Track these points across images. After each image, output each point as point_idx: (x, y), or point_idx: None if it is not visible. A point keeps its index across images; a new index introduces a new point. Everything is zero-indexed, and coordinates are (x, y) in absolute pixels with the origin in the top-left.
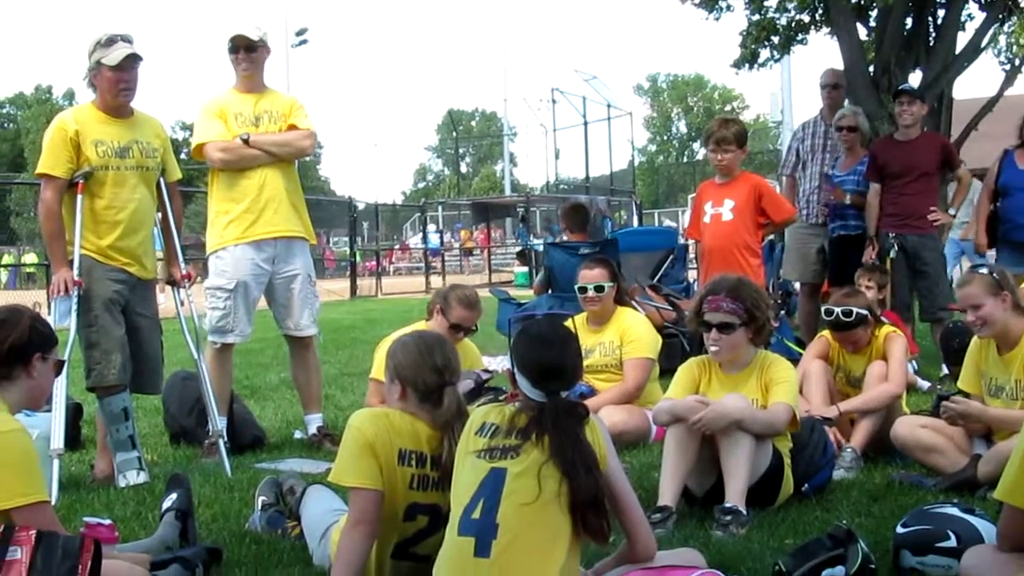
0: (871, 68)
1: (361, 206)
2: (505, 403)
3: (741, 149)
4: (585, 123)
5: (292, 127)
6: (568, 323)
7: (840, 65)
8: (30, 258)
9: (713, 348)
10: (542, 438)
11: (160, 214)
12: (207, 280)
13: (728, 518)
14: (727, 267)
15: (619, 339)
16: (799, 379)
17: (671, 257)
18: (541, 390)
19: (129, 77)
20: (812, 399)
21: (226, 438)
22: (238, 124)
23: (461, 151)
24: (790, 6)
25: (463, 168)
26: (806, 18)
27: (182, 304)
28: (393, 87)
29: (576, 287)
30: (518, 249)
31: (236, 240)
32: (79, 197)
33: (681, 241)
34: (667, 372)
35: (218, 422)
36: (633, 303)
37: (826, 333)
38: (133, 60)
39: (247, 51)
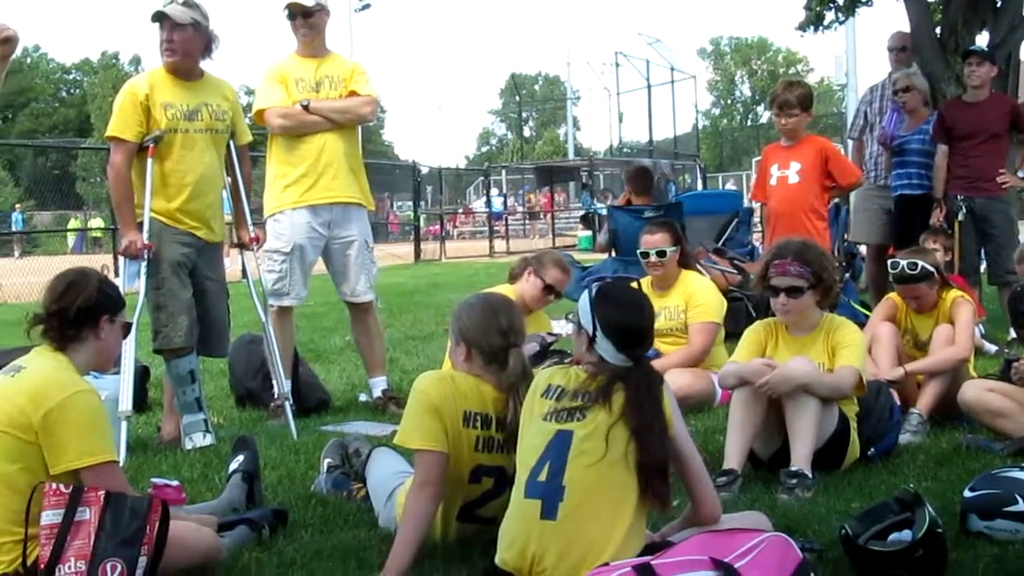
0: (938, 29)
1: (425, 170)
2: (569, 366)
3: (806, 112)
4: (649, 86)
5: (353, 93)
6: (634, 285)
7: (906, 27)
8: (96, 222)
9: (782, 312)
10: (613, 400)
11: (229, 177)
12: (265, 243)
13: (794, 481)
14: (793, 230)
15: (684, 303)
16: (867, 342)
17: (736, 220)
18: (626, 355)
19: (171, 37)
20: (880, 362)
21: (291, 401)
22: (299, 90)
23: (524, 115)
24: None
25: (526, 132)
26: None
27: (250, 267)
28: (456, 51)
29: (639, 251)
30: (581, 213)
31: (294, 204)
32: (149, 161)
33: (746, 204)
34: (732, 335)
35: (284, 385)
36: (698, 266)
37: (893, 295)
38: (166, 19)
39: (304, 16)
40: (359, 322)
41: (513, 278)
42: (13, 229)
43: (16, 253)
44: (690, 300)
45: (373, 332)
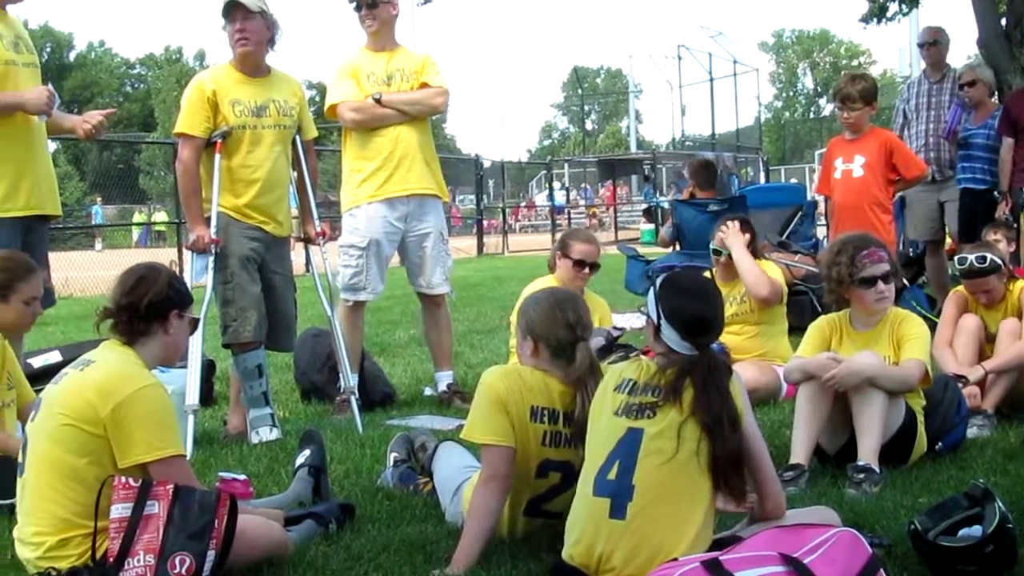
0: (1003, 21)
1: (487, 164)
2: (640, 358)
3: (869, 106)
4: (711, 79)
5: (424, 85)
6: (707, 274)
7: (970, 19)
8: (160, 216)
9: (881, 301)
10: (684, 395)
11: (296, 172)
12: (341, 238)
13: (861, 476)
14: (858, 224)
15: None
16: (948, 334)
17: (800, 214)
18: (691, 343)
19: (243, 27)
20: (961, 354)
21: (357, 395)
22: (370, 83)
23: (586, 108)
24: None
25: (588, 125)
26: None
27: (316, 261)
28: (518, 44)
29: (711, 248)
30: (644, 206)
31: (369, 198)
32: (216, 156)
33: (809, 198)
34: (796, 329)
35: (350, 379)
36: (769, 258)
37: (960, 289)
38: (236, 10)
39: (369, 8)
40: (430, 315)
41: (551, 268)
42: (93, 222)
43: (99, 246)
44: None
45: (443, 326)
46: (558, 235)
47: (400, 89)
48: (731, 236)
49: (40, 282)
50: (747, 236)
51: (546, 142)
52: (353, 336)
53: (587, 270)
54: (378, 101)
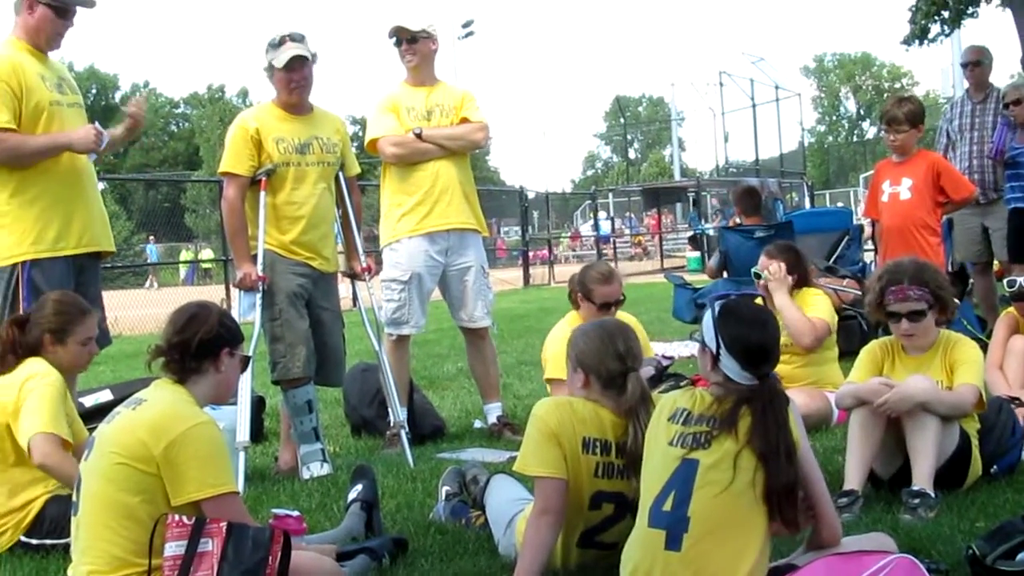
0: None
1: (532, 195)
2: (692, 388)
3: (915, 128)
4: (753, 105)
5: (464, 120)
6: (759, 301)
7: (1013, 38)
8: (207, 254)
9: (906, 338)
10: (739, 424)
11: (340, 208)
12: (382, 272)
13: (916, 501)
14: (906, 246)
15: None
16: (998, 357)
17: (847, 238)
18: (751, 373)
19: (299, 76)
20: (1012, 377)
21: (407, 428)
22: (410, 118)
23: (629, 137)
24: None
25: (631, 154)
26: None
27: (362, 296)
28: (560, 75)
29: (753, 272)
30: (690, 234)
31: (410, 232)
32: (261, 194)
33: (856, 221)
34: (846, 354)
35: (399, 413)
36: (817, 284)
37: (1012, 310)
38: (299, 61)
39: (409, 43)
40: (475, 348)
41: (574, 304)
42: (148, 260)
43: (154, 284)
44: (803, 309)
45: (488, 358)
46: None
47: (440, 124)
48: (775, 282)
49: (95, 323)
50: (792, 278)
51: (589, 172)
52: (400, 370)
53: (613, 309)
54: (419, 136)
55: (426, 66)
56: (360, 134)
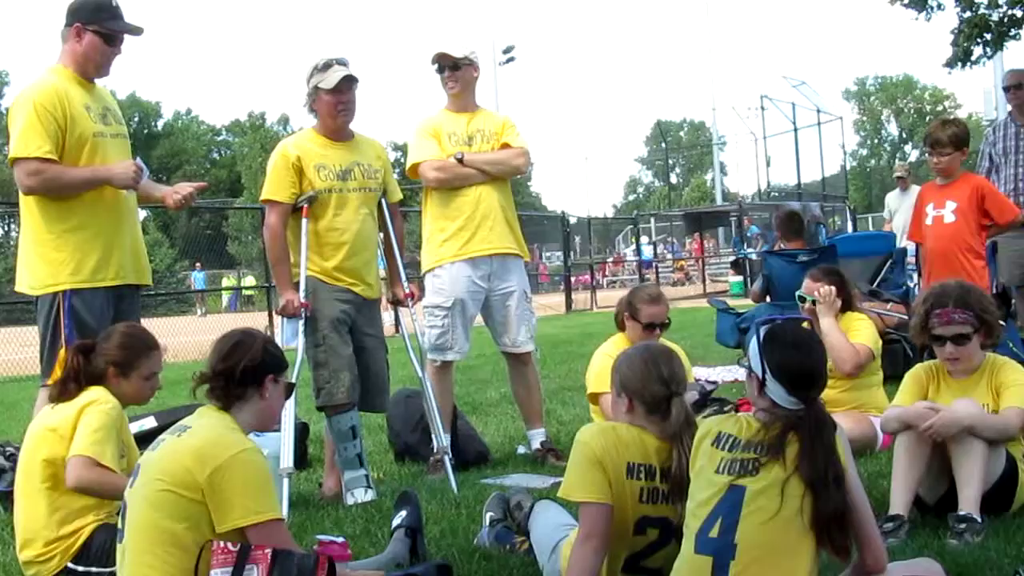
0: None
1: (573, 220)
2: (737, 413)
3: (960, 151)
4: (795, 129)
5: (505, 145)
6: (805, 325)
7: None
8: (249, 281)
9: (950, 362)
10: (787, 451)
11: (383, 234)
12: (425, 298)
13: (963, 526)
14: (950, 270)
15: None
16: None
17: (890, 261)
18: (797, 397)
19: (346, 99)
20: None
21: (451, 454)
22: (451, 144)
23: (671, 162)
24: (1002, 1)
25: (673, 179)
26: (1019, 13)
27: (405, 322)
28: (601, 100)
29: (797, 295)
30: (732, 258)
31: (452, 258)
32: (304, 220)
33: (899, 245)
34: (891, 378)
35: (443, 439)
36: (861, 308)
37: None
38: (349, 82)
39: (452, 69)
40: (518, 373)
41: (619, 326)
42: (194, 287)
43: (203, 311)
44: (847, 333)
45: (532, 383)
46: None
47: (481, 149)
48: (824, 305)
49: (160, 358)
50: (838, 303)
51: (631, 197)
52: (443, 395)
53: (658, 331)
54: (460, 161)
55: (467, 92)
56: (401, 160)
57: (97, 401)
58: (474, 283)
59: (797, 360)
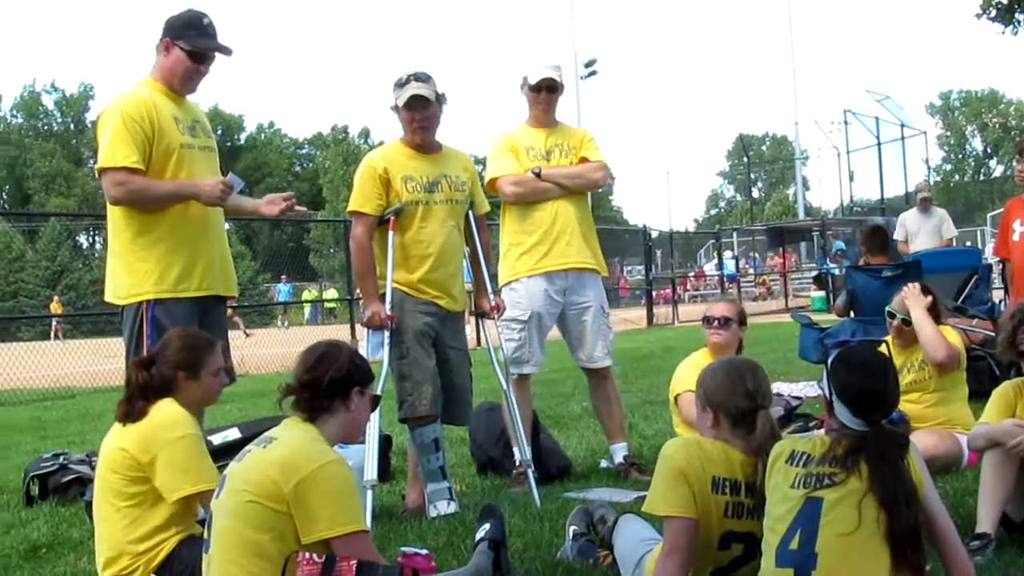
0: None
1: (655, 234)
2: (814, 431)
3: None
4: (879, 143)
5: (583, 160)
6: (883, 348)
7: None
8: (331, 293)
9: None
10: (860, 468)
11: (469, 246)
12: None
13: None
14: None
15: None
16: None
17: (975, 277)
18: (862, 419)
19: (420, 116)
20: None
21: (534, 467)
22: (529, 158)
23: (752, 176)
24: None
25: (755, 193)
26: None
27: (490, 335)
28: (683, 113)
29: (887, 310)
30: (815, 273)
31: (529, 272)
32: (390, 233)
33: (985, 260)
34: (976, 394)
35: (526, 452)
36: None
37: None
38: (419, 101)
39: (549, 91)
40: (597, 388)
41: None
42: (277, 299)
43: (286, 323)
44: None
45: (612, 398)
46: None
47: (559, 163)
48: (911, 297)
49: (220, 352)
50: (928, 298)
51: (713, 211)
52: (523, 408)
53: (716, 324)
54: (538, 175)
55: (552, 110)
56: (481, 173)
57: (171, 426)
58: (550, 297)
59: (860, 383)
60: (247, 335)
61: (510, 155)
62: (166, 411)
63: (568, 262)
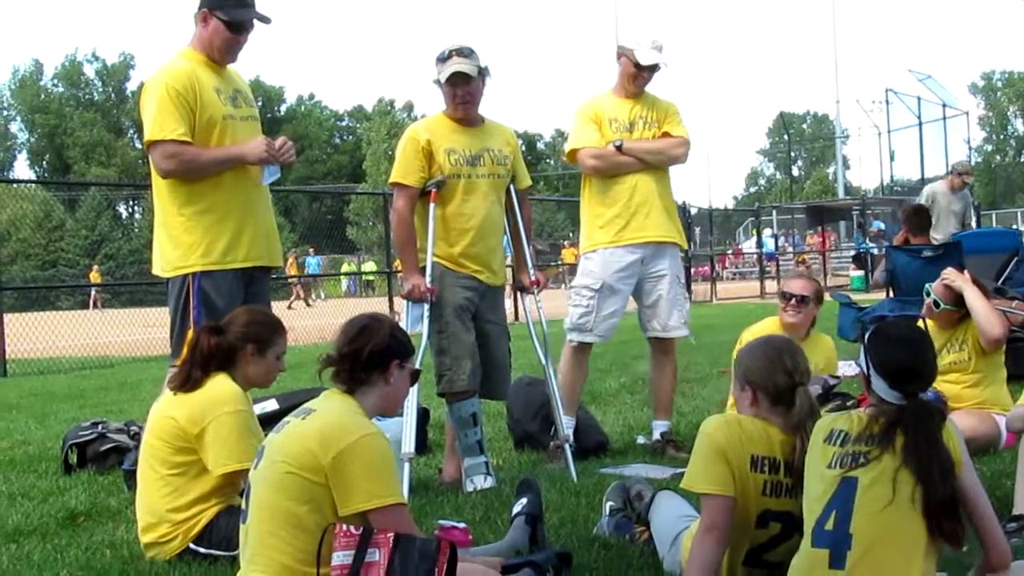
0: None
1: (694, 211)
2: (852, 409)
3: None
4: (920, 123)
5: (666, 134)
6: (920, 324)
7: None
8: (369, 266)
9: None
10: (896, 442)
11: (510, 221)
12: (575, 279)
13: None
14: None
15: (966, 334)
16: None
17: (1015, 259)
18: (899, 391)
19: (462, 91)
20: None
21: (572, 442)
22: (612, 130)
23: (793, 154)
24: None
25: (795, 171)
26: None
27: (531, 310)
28: (723, 91)
29: (925, 287)
30: (853, 253)
31: (606, 244)
32: (431, 205)
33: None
34: (1015, 377)
35: (564, 428)
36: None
37: None
38: (461, 77)
39: (651, 71)
40: (659, 361)
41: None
42: (307, 272)
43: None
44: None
45: (669, 373)
46: (769, 283)
47: (642, 136)
48: (958, 280)
49: (286, 337)
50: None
51: (752, 189)
52: (576, 377)
53: (793, 301)
54: (619, 148)
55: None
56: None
57: (223, 401)
58: (625, 268)
59: (897, 355)
60: (308, 305)
61: (592, 126)
62: (221, 385)
63: (646, 235)
